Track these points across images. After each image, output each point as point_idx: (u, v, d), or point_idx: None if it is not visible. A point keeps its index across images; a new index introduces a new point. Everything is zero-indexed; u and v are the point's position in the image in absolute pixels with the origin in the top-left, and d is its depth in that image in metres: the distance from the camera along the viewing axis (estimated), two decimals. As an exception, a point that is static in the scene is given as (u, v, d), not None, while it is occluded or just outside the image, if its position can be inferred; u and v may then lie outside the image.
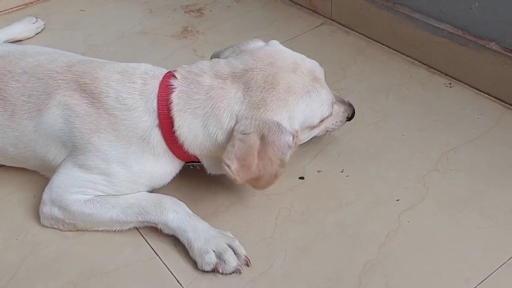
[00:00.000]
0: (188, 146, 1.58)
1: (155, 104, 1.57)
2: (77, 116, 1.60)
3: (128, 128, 1.58)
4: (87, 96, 1.60)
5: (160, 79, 1.61)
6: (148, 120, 1.58)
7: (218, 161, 1.54)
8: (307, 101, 1.56)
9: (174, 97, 1.56)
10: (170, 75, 1.61)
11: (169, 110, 1.56)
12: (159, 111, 1.57)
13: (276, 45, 1.68)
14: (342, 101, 1.77)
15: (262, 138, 1.48)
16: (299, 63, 1.61)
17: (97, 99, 1.59)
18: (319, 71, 1.64)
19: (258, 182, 1.55)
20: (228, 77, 1.57)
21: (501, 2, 1.90)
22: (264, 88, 1.53)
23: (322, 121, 1.64)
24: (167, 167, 1.64)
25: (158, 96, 1.58)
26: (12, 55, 1.75)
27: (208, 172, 1.67)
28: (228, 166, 1.48)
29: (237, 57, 1.63)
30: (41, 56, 1.74)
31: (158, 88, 1.59)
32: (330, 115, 1.65)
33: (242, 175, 1.50)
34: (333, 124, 1.76)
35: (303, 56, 1.66)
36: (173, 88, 1.57)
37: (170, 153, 1.61)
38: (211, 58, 1.73)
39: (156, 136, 1.59)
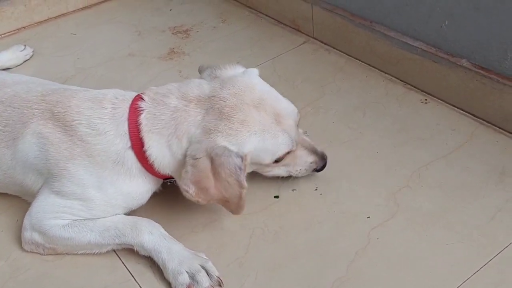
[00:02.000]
0: (158, 166, 1.62)
1: (126, 127, 1.63)
2: (51, 144, 1.65)
3: (101, 153, 1.63)
4: (61, 124, 1.65)
5: (130, 102, 1.66)
6: (120, 143, 1.62)
7: None
8: (260, 138, 1.59)
9: (143, 118, 1.61)
10: (139, 97, 1.66)
11: (138, 131, 1.61)
12: (130, 133, 1.62)
13: (252, 75, 1.70)
14: (314, 151, 1.77)
15: (212, 161, 1.53)
16: (265, 101, 1.63)
17: (70, 127, 1.64)
18: (289, 116, 1.66)
19: (229, 205, 1.61)
20: (193, 100, 1.62)
21: (469, 20, 1.93)
22: (219, 117, 1.57)
23: (277, 161, 1.68)
24: (143, 186, 1.69)
25: (128, 118, 1.63)
26: None
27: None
28: (186, 191, 1.55)
29: (209, 82, 1.68)
30: (18, 86, 1.80)
31: (127, 111, 1.64)
32: (283, 159, 1.69)
33: (203, 196, 1.56)
34: (296, 171, 1.77)
35: (282, 97, 1.68)
36: (141, 110, 1.63)
37: (146, 172, 1.66)
38: (198, 70, 1.81)
39: (130, 158, 1.63)
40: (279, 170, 1.76)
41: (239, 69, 1.74)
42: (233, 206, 1.61)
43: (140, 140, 1.61)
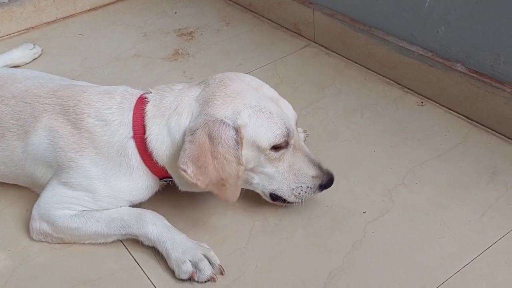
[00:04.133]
0: (156, 155, 1.67)
1: (130, 116, 1.69)
2: (61, 137, 1.72)
3: (106, 143, 1.69)
4: (71, 118, 1.73)
5: (138, 95, 1.74)
6: (123, 132, 1.69)
7: None
8: (255, 112, 1.61)
9: (149, 106, 1.69)
10: (147, 92, 1.75)
11: (142, 119, 1.68)
12: (134, 122, 1.68)
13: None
14: (318, 165, 1.71)
15: (209, 135, 1.56)
16: (264, 88, 1.71)
17: (79, 120, 1.72)
18: (287, 108, 1.71)
19: (225, 190, 1.61)
20: (198, 84, 1.71)
21: (464, 26, 2.02)
22: (217, 86, 1.65)
23: (276, 149, 1.64)
24: (142, 181, 1.73)
25: (134, 108, 1.70)
26: (2, 80, 1.89)
27: (180, 189, 1.76)
28: (185, 171, 1.57)
29: None
30: (29, 81, 1.87)
31: (135, 102, 1.72)
32: (283, 147, 1.65)
33: (202, 178, 1.58)
34: (297, 187, 1.70)
35: (279, 97, 1.73)
36: (148, 100, 1.70)
37: (144, 167, 1.71)
38: None
39: (131, 148, 1.69)
40: (282, 183, 1.70)
41: None
42: (230, 189, 1.61)
43: (143, 128, 1.67)
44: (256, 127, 1.61)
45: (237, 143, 1.58)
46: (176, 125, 1.64)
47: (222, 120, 1.58)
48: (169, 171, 1.71)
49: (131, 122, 1.69)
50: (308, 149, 1.74)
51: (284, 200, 1.74)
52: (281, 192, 1.72)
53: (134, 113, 1.69)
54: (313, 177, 1.70)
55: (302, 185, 1.70)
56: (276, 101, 1.69)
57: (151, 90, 1.74)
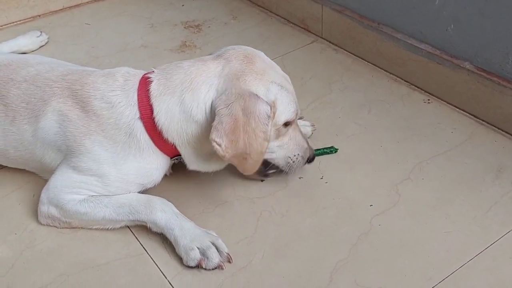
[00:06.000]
0: (166, 132, 1.67)
1: (135, 98, 1.70)
2: (70, 120, 1.72)
3: (114, 126, 1.69)
4: (79, 101, 1.73)
5: (141, 76, 1.74)
6: (129, 114, 1.69)
7: (197, 153, 1.68)
8: (280, 89, 1.67)
9: (153, 85, 1.69)
10: (150, 72, 1.75)
11: (148, 99, 1.67)
12: (139, 103, 1.69)
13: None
14: (306, 140, 1.83)
15: (244, 110, 1.57)
16: (278, 69, 1.75)
17: (86, 103, 1.72)
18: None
19: (245, 163, 1.63)
20: (209, 59, 1.71)
21: (474, 24, 2.03)
22: (243, 61, 1.66)
23: (286, 125, 1.71)
24: (152, 161, 1.73)
25: (138, 89, 1.70)
26: (15, 64, 1.89)
27: (188, 168, 1.76)
28: (219, 144, 1.57)
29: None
30: (41, 65, 1.88)
31: (138, 83, 1.72)
32: (293, 121, 1.73)
33: (230, 151, 1.58)
34: (294, 155, 1.79)
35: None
36: (151, 79, 1.70)
37: (153, 146, 1.71)
38: None
39: (139, 128, 1.69)
40: (280, 153, 1.77)
41: None
42: (250, 163, 1.63)
43: (150, 107, 1.67)
44: (280, 105, 1.66)
45: (269, 118, 1.61)
46: (192, 101, 1.64)
47: (255, 94, 1.60)
48: (179, 148, 1.71)
49: (137, 103, 1.69)
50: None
51: (267, 171, 1.84)
52: (276, 160, 1.80)
53: (138, 94, 1.69)
54: (306, 148, 1.80)
55: (297, 153, 1.79)
56: (287, 79, 1.75)
57: (153, 69, 1.74)
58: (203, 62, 1.70)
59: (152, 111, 1.67)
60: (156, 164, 1.75)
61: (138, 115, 1.69)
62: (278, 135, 1.72)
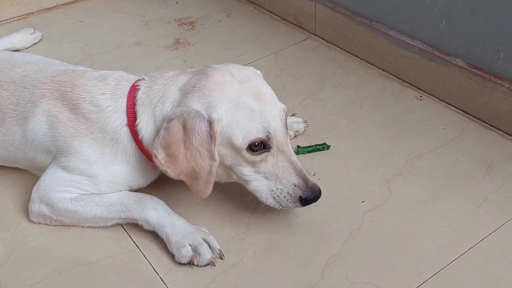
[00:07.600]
0: (146, 142, 1.66)
1: (124, 103, 1.70)
2: (59, 122, 1.72)
3: (101, 130, 1.70)
4: (68, 103, 1.73)
5: (132, 82, 1.74)
6: (117, 120, 1.69)
7: None
8: (232, 107, 1.55)
9: (139, 93, 1.69)
10: (140, 79, 1.75)
11: (134, 106, 1.68)
12: (127, 109, 1.69)
13: (252, 69, 1.73)
14: (303, 176, 1.61)
15: (184, 126, 1.54)
16: (252, 81, 1.61)
17: (76, 105, 1.72)
18: (273, 105, 1.61)
19: (197, 183, 1.58)
20: (188, 71, 1.70)
21: (465, 22, 2.04)
22: (200, 77, 1.62)
23: (251, 150, 1.57)
24: (140, 167, 1.74)
25: (127, 95, 1.70)
26: (1, 64, 1.88)
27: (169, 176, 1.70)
28: (156, 156, 1.56)
29: None
30: (29, 66, 1.87)
31: (128, 89, 1.72)
32: (261, 157, 1.58)
33: (172, 166, 1.56)
34: (278, 189, 1.60)
35: (274, 95, 1.65)
36: (139, 87, 1.70)
37: (141, 154, 1.71)
38: None
39: (126, 135, 1.69)
40: (261, 183, 1.62)
41: None
42: (202, 183, 1.57)
43: (135, 115, 1.67)
44: (231, 123, 1.55)
45: (211, 137, 1.54)
46: (160, 114, 1.64)
47: (198, 111, 1.54)
48: None
49: (125, 109, 1.69)
50: (299, 160, 1.65)
51: None
52: (259, 193, 1.64)
53: (127, 100, 1.69)
54: (294, 185, 1.61)
55: (282, 188, 1.61)
56: (260, 97, 1.59)
57: (144, 77, 1.75)
58: (179, 74, 1.69)
59: (135, 119, 1.67)
60: (144, 170, 1.75)
61: (125, 121, 1.69)
62: (251, 160, 1.59)
